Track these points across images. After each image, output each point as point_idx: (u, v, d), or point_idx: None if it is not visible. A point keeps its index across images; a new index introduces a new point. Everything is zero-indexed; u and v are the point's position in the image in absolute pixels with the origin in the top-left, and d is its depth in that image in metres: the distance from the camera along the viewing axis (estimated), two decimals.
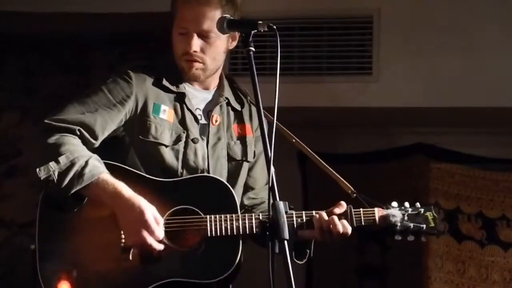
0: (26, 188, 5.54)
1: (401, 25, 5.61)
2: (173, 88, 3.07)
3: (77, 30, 5.68)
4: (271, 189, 2.47)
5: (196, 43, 3.03)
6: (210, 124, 3.09)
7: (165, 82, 3.05)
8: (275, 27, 2.71)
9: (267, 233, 2.44)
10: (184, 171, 3.01)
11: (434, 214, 3.16)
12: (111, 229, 2.87)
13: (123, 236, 2.87)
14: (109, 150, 2.95)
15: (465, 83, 5.51)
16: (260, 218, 2.94)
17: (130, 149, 2.99)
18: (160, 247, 2.87)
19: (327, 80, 5.67)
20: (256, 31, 2.70)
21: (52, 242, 2.87)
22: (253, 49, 2.69)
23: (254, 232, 2.92)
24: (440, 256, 6.14)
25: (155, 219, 2.84)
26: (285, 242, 2.42)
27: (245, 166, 3.16)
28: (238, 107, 3.19)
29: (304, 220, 3.00)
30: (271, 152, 2.51)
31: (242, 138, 3.17)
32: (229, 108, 3.17)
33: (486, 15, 5.52)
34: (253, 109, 3.20)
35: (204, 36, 3.04)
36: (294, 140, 3.13)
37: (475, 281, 6.10)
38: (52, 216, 2.88)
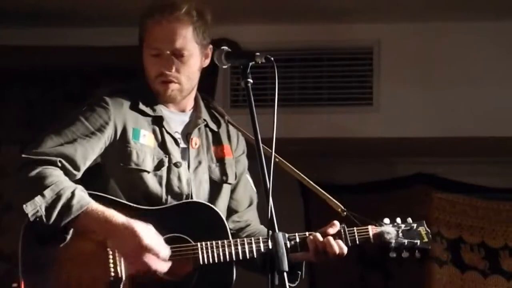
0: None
1: (401, 56, 5.64)
2: (150, 112, 2.98)
3: (80, 63, 5.70)
4: (270, 220, 2.46)
5: (171, 63, 2.95)
6: (190, 147, 3.01)
7: (141, 106, 2.96)
8: (272, 58, 2.69)
9: (267, 265, 2.43)
10: (169, 197, 2.93)
11: (427, 229, 3.14)
12: (98, 262, 2.79)
13: (111, 269, 2.79)
14: (88, 180, 2.86)
15: (466, 113, 5.52)
16: (252, 241, 2.89)
17: (110, 177, 2.90)
18: (167, 267, 2.80)
19: (327, 111, 5.69)
20: (254, 62, 2.69)
21: (37, 279, 2.79)
22: (251, 81, 2.66)
23: (247, 257, 2.87)
24: (443, 286, 6.12)
25: (154, 239, 2.77)
26: (285, 274, 2.40)
27: (227, 188, 3.09)
28: (215, 127, 3.11)
29: (298, 242, 2.96)
30: (269, 183, 2.48)
31: (221, 160, 3.09)
32: (207, 129, 3.09)
33: (486, 46, 5.55)
34: (231, 128, 3.15)
35: (178, 55, 2.96)
36: (278, 160, 2.98)
37: None
38: (36, 251, 2.79)
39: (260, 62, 2.71)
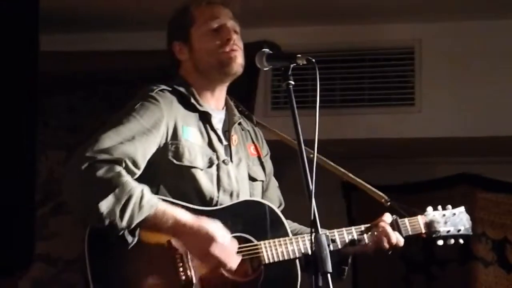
0: (72, 224, 5.58)
1: (443, 55, 5.61)
2: (199, 107, 2.97)
3: (124, 67, 5.75)
4: (313, 222, 2.46)
5: (233, 32, 2.98)
6: (231, 144, 3.00)
7: (192, 101, 2.95)
8: (314, 60, 2.67)
9: (311, 266, 2.43)
10: (220, 195, 2.91)
11: (467, 215, 3.17)
12: (168, 266, 2.74)
13: (181, 273, 2.74)
14: (140, 179, 2.79)
15: (508, 112, 5.48)
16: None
17: (163, 175, 2.86)
18: (237, 262, 2.76)
19: (369, 112, 5.68)
20: (295, 64, 2.69)
21: (108, 284, 2.72)
22: (293, 82, 2.66)
23: (305, 253, 2.83)
24: (489, 287, 6.07)
25: (224, 236, 2.74)
26: (329, 275, 2.40)
27: (261, 186, 3.09)
28: (247, 126, 3.14)
29: (356, 238, 2.98)
30: (312, 184, 2.49)
31: (258, 158, 3.11)
32: (241, 127, 3.10)
33: None
34: (256, 129, 3.17)
35: (235, 31, 3.00)
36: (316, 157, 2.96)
37: None
38: (103, 257, 2.72)
39: (301, 64, 2.70)
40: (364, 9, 5.39)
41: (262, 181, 3.11)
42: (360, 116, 5.69)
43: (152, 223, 2.71)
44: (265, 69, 2.86)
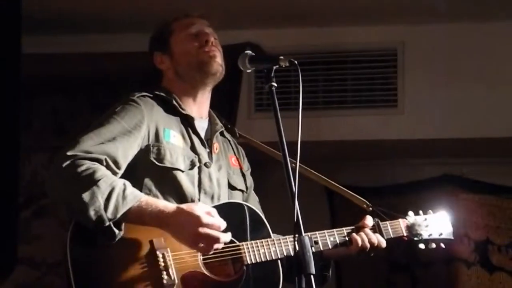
0: (56, 227, 5.57)
1: (426, 57, 5.63)
2: (181, 110, 3.01)
3: (108, 70, 5.74)
4: (296, 223, 2.47)
5: (212, 36, 3.06)
6: (212, 152, 3.03)
7: (174, 103, 3.00)
8: (296, 62, 2.69)
9: (294, 268, 2.44)
10: (201, 197, 2.93)
11: (449, 220, 3.19)
12: (149, 266, 2.75)
13: (164, 272, 2.74)
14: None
15: (491, 113, 5.50)
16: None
17: (144, 177, 2.88)
18: (228, 237, 2.76)
19: (352, 114, 5.69)
20: (277, 66, 2.70)
21: (88, 283, 2.72)
22: (275, 84, 2.68)
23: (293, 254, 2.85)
24: (472, 287, 6.09)
25: (208, 213, 2.73)
26: (312, 276, 2.41)
27: (240, 196, 3.10)
28: (229, 138, 3.18)
29: (337, 237, 3.00)
30: (295, 186, 2.50)
31: (239, 169, 3.14)
32: (222, 138, 3.14)
33: (511, 45, 5.52)
34: (239, 147, 3.21)
35: (214, 36, 3.07)
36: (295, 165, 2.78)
37: None
38: (85, 256, 2.73)
39: (284, 66, 2.72)
40: (347, 11, 5.40)
41: (242, 191, 3.12)
42: (343, 118, 5.69)
43: (137, 215, 2.72)
44: (248, 71, 2.87)
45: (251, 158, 3.26)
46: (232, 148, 3.18)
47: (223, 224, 2.75)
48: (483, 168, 6.13)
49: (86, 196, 2.66)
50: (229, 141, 3.18)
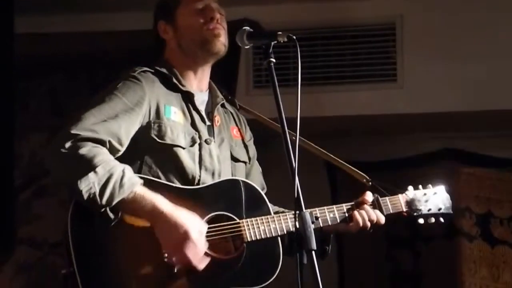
0: (56, 207, 5.56)
1: (424, 30, 5.60)
2: (181, 87, 2.99)
3: (105, 49, 5.71)
4: (297, 199, 2.46)
5: (217, 12, 3.03)
6: (214, 125, 3.03)
7: (174, 81, 2.98)
8: (295, 37, 2.68)
9: (295, 244, 2.44)
10: (202, 174, 2.92)
11: (447, 194, 3.19)
12: (151, 244, 2.74)
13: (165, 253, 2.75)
14: (123, 156, 2.84)
15: (491, 86, 5.48)
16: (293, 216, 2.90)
17: (144, 154, 2.88)
18: (204, 264, 2.77)
19: (351, 89, 5.67)
20: (276, 42, 2.69)
21: (91, 265, 2.72)
22: (274, 60, 2.67)
23: (291, 229, 2.82)
24: (474, 261, 6.10)
25: (200, 232, 2.75)
26: (313, 252, 2.41)
27: (243, 168, 3.11)
28: (231, 109, 3.17)
29: (337, 213, 3.00)
30: (295, 162, 2.49)
31: (241, 140, 3.14)
32: (224, 109, 3.13)
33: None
34: (240, 116, 3.20)
35: (219, 12, 3.04)
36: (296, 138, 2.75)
37: (511, 286, 6.05)
38: (86, 236, 2.74)
39: (282, 41, 2.71)
40: None
41: (245, 162, 3.12)
42: (342, 93, 5.68)
43: (131, 208, 2.73)
44: (246, 47, 2.86)
45: (252, 133, 3.24)
46: (234, 119, 3.17)
47: (204, 249, 2.75)
48: (484, 141, 6.12)
49: (82, 181, 2.67)
50: (230, 112, 3.17)
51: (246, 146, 3.15)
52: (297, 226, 2.45)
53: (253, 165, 3.18)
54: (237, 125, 3.16)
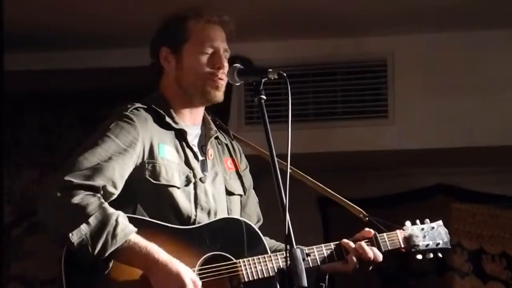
0: (47, 244, 5.54)
1: (415, 67, 5.63)
2: (173, 125, 2.96)
3: (95, 85, 5.73)
4: (288, 236, 2.45)
5: (224, 61, 2.95)
6: (207, 159, 2.97)
7: (168, 119, 2.92)
8: (285, 74, 2.67)
9: (286, 281, 2.42)
10: (198, 213, 2.87)
11: (445, 229, 3.15)
12: (145, 287, 2.69)
13: None
14: (117, 198, 2.78)
15: (481, 122, 5.50)
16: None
17: (139, 195, 2.83)
18: None
19: (343, 125, 5.68)
20: (266, 79, 2.69)
21: None
22: (264, 97, 2.66)
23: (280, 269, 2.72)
24: None
25: (194, 283, 2.70)
26: None
27: (239, 201, 3.05)
28: (224, 140, 3.10)
29: (334, 250, 2.95)
30: (286, 198, 2.48)
31: (235, 172, 3.07)
32: (217, 141, 3.06)
33: (501, 54, 5.54)
34: (234, 143, 3.14)
35: (226, 56, 2.97)
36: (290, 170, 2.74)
37: None
38: (80, 281, 2.68)
39: (273, 78, 2.70)
40: (335, 22, 5.40)
41: (240, 195, 3.08)
42: (333, 130, 5.69)
43: (125, 257, 2.68)
44: (236, 84, 2.85)
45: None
46: (228, 150, 3.11)
47: None
48: (475, 177, 6.13)
49: (74, 233, 2.62)
50: (225, 143, 3.11)
51: (240, 177, 3.09)
52: (288, 263, 2.44)
53: (249, 196, 3.12)
54: (231, 155, 3.10)
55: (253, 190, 3.15)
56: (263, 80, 2.69)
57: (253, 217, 3.11)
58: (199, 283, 2.73)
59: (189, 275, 2.71)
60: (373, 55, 5.70)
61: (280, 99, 5.15)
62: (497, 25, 5.45)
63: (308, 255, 2.86)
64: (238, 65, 2.82)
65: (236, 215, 3.02)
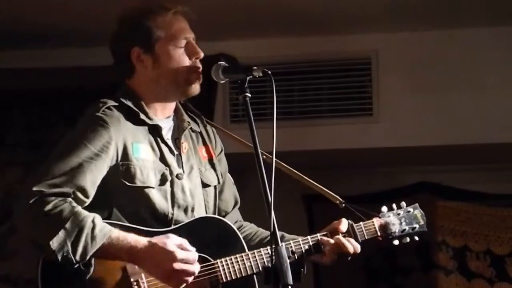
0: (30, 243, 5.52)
1: (400, 65, 5.64)
2: (148, 121, 2.89)
3: (81, 84, 5.71)
4: (273, 234, 2.45)
5: (199, 49, 2.94)
6: (181, 153, 2.95)
7: (142, 116, 2.88)
8: (270, 72, 2.68)
9: (270, 278, 2.43)
10: (175, 211, 2.86)
11: (421, 212, 3.18)
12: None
13: None
14: (92, 202, 2.76)
15: (466, 120, 5.52)
16: (267, 252, 2.85)
17: (114, 198, 2.80)
18: (198, 267, 2.74)
19: (328, 123, 5.69)
20: (251, 77, 2.68)
21: None
22: (249, 95, 2.65)
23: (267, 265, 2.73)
24: None
25: (180, 246, 2.71)
26: (289, 287, 2.40)
27: (215, 190, 3.05)
28: (197, 128, 3.06)
29: (312, 245, 2.96)
30: (271, 197, 2.48)
31: (210, 161, 3.05)
32: (190, 131, 3.02)
33: (485, 52, 5.56)
34: (208, 128, 3.11)
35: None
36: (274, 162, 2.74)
37: None
38: (58, 283, 2.69)
39: (257, 76, 2.70)
40: (320, 20, 5.41)
41: (216, 184, 3.06)
42: (319, 127, 5.70)
43: (108, 252, 2.67)
44: (221, 82, 2.86)
45: (228, 166, 3.20)
46: (202, 137, 3.08)
47: (195, 256, 2.74)
48: (459, 175, 6.16)
49: (54, 241, 2.61)
50: (198, 132, 3.07)
51: (214, 166, 3.07)
52: (274, 260, 2.44)
53: (225, 181, 3.11)
54: (205, 143, 3.07)
55: (228, 174, 3.14)
56: (248, 78, 2.68)
57: (230, 201, 3.12)
58: (185, 241, 2.73)
59: (172, 242, 2.70)
60: (357, 53, 5.71)
61: (265, 97, 5.15)
62: (482, 22, 5.46)
63: (293, 252, 2.87)
64: (223, 63, 2.82)
65: (212, 206, 3.02)
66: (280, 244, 2.45)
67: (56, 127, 5.95)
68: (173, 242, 2.72)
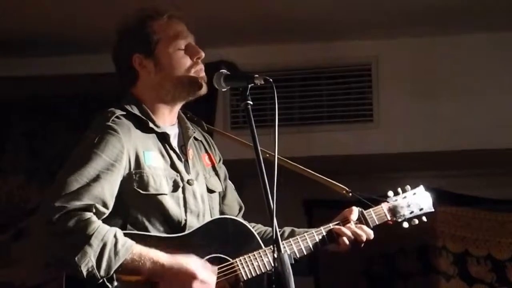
0: (34, 250, 5.53)
1: (399, 71, 5.66)
2: (157, 129, 2.91)
3: (82, 91, 5.72)
4: (275, 241, 2.47)
5: (199, 49, 2.97)
6: (188, 159, 2.97)
7: (150, 125, 2.90)
8: (271, 79, 2.69)
9: (273, 284, 2.44)
10: (188, 217, 2.87)
11: (427, 192, 3.24)
12: None
13: None
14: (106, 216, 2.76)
15: (465, 126, 5.54)
16: (285, 245, 2.90)
17: (128, 206, 2.81)
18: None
19: (328, 129, 5.70)
20: (253, 84, 2.70)
21: None
22: (251, 102, 2.67)
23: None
24: None
25: (202, 266, 2.75)
26: None
27: (219, 196, 3.08)
28: (199, 137, 3.09)
29: (325, 235, 3.00)
30: (273, 203, 2.50)
31: (213, 168, 3.08)
32: (193, 139, 3.04)
33: (484, 58, 5.58)
34: (207, 136, 3.14)
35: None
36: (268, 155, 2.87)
37: None
38: None
39: (259, 84, 2.72)
40: (320, 27, 5.42)
41: (219, 190, 3.08)
42: (319, 134, 5.71)
43: (130, 269, 2.69)
44: (223, 90, 2.86)
45: (228, 173, 3.22)
46: (204, 145, 3.10)
47: (214, 279, 2.76)
48: (460, 181, 6.16)
49: (79, 258, 2.62)
50: (200, 140, 3.10)
51: (217, 172, 3.09)
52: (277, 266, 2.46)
53: (227, 187, 3.14)
54: (207, 151, 3.10)
55: (228, 180, 3.16)
56: (249, 86, 2.70)
57: (234, 206, 3.14)
58: (205, 263, 2.76)
59: (196, 263, 2.73)
60: (357, 60, 5.73)
61: (266, 104, 5.17)
62: (481, 28, 5.48)
63: (296, 260, 2.87)
64: (225, 70, 2.82)
65: (216, 212, 3.04)
66: (282, 251, 2.47)
67: (57, 134, 5.96)
68: (195, 262, 2.75)
